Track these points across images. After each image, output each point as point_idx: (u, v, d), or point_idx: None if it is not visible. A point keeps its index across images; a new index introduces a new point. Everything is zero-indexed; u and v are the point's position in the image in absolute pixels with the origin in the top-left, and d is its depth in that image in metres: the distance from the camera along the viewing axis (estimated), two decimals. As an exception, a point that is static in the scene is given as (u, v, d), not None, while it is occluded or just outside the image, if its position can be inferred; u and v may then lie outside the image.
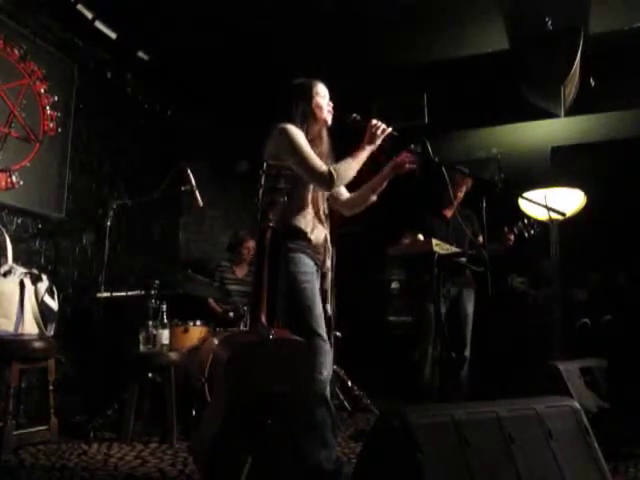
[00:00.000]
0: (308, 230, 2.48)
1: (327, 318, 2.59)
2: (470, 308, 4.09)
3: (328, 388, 2.39)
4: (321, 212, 2.57)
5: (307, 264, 2.45)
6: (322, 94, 2.58)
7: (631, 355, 3.58)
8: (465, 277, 4.08)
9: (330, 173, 2.37)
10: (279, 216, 2.41)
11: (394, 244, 3.81)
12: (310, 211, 2.51)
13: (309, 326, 2.36)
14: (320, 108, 2.55)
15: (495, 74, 4.63)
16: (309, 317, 2.38)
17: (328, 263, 2.60)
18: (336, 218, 2.82)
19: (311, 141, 2.48)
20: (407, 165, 2.59)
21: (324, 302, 2.57)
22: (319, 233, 2.54)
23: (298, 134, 2.43)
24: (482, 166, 5.40)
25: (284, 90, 2.60)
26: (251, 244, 4.84)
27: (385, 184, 2.65)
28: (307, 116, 2.52)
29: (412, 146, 2.58)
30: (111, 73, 4.58)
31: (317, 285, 2.49)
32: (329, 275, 2.61)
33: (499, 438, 1.59)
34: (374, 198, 2.69)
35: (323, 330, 2.40)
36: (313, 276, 2.47)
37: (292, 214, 2.47)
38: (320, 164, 2.40)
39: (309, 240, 2.47)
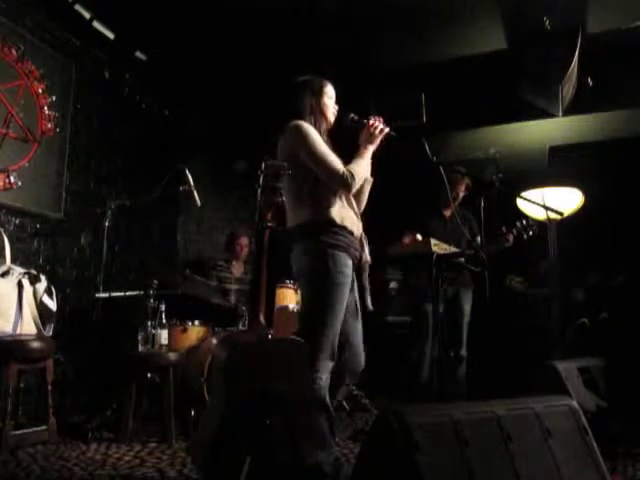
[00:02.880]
0: (347, 222, 2.40)
1: (367, 314, 2.54)
2: (467, 308, 4.11)
3: (328, 392, 2.33)
4: (353, 203, 2.50)
5: (347, 264, 2.37)
6: (330, 94, 2.55)
7: (629, 354, 3.59)
8: (463, 277, 4.09)
9: (350, 173, 2.34)
10: (311, 209, 2.37)
11: (393, 244, 3.81)
12: (342, 201, 2.43)
13: (323, 328, 2.30)
14: (327, 107, 2.52)
15: (493, 74, 4.63)
16: (327, 319, 2.31)
17: (366, 256, 2.51)
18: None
19: None
20: (379, 128, 2.43)
21: (363, 297, 2.51)
22: (357, 224, 2.48)
23: (313, 132, 2.39)
24: (480, 166, 5.40)
25: (291, 85, 2.55)
26: (243, 241, 4.88)
27: (369, 158, 2.50)
28: (315, 112, 2.48)
29: (352, 115, 2.49)
30: (109, 73, 4.57)
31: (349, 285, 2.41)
32: (367, 269, 2.52)
33: (498, 438, 1.59)
34: (370, 178, 2.56)
35: (336, 334, 2.34)
36: (349, 278, 2.39)
37: (328, 207, 2.37)
38: (339, 165, 2.36)
39: (351, 232, 2.41)
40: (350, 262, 2.40)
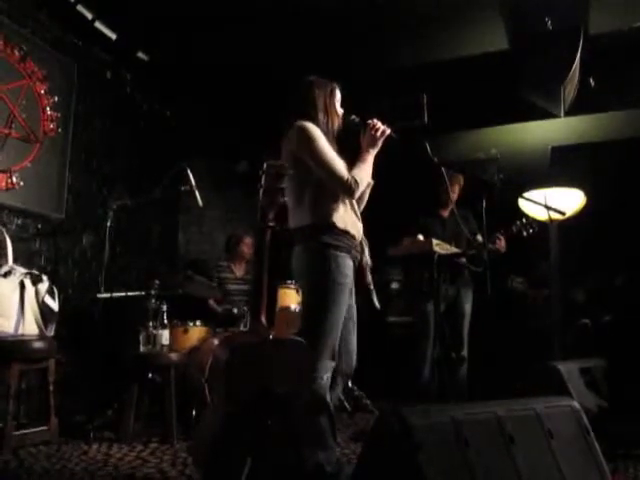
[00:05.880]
0: (349, 226, 2.41)
1: (377, 311, 2.59)
2: (468, 308, 4.09)
3: (328, 392, 2.35)
4: (355, 207, 2.51)
5: (348, 265, 2.39)
6: (338, 98, 2.55)
7: (631, 355, 3.58)
8: (463, 277, 4.08)
9: (355, 180, 2.35)
10: (312, 212, 2.37)
11: (394, 245, 3.80)
12: (345, 205, 2.43)
13: (324, 327, 2.31)
14: (337, 109, 2.52)
15: (495, 74, 4.62)
16: (328, 319, 2.32)
17: (366, 259, 2.53)
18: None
19: (326, 138, 2.42)
20: (381, 130, 2.44)
21: (370, 296, 2.55)
22: (359, 227, 2.50)
23: (319, 135, 2.36)
24: (482, 166, 5.39)
25: (303, 82, 2.52)
26: (248, 241, 4.87)
27: (372, 162, 2.52)
28: (329, 112, 2.47)
29: (353, 117, 2.51)
30: (111, 73, 4.58)
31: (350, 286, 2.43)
32: (369, 269, 2.54)
33: (499, 438, 1.59)
34: (371, 181, 2.57)
35: (337, 334, 2.36)
36: (350, 279, 2.40)
37: (331, 211, 2.37)
38: (343, 171, 2.35)
39: (352, 236, 2.42)
40: (351, 264, 2.42)
